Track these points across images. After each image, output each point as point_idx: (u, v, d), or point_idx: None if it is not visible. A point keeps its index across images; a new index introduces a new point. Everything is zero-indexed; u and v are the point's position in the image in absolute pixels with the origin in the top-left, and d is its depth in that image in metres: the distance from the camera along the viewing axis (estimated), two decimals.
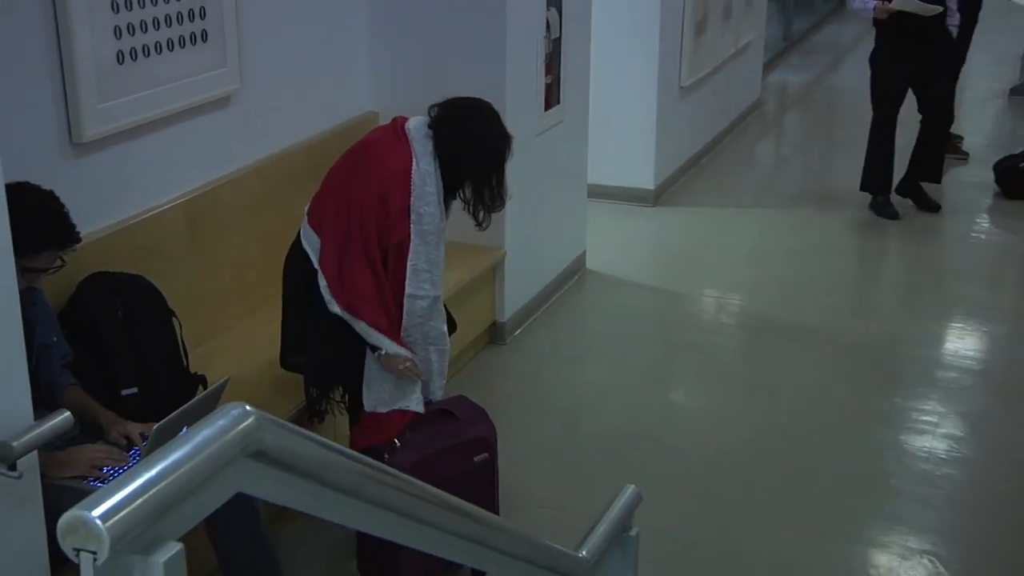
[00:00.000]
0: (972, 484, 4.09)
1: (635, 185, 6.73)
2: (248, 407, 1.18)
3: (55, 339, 3.05)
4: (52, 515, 2.62)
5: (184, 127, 3.85)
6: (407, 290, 3.34)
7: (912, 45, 6.27)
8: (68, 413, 2.62)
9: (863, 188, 6.67)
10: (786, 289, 5.72)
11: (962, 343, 5.17)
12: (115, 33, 3.48)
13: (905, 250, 6.25)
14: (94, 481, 2.86)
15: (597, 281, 5.77)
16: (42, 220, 2.81)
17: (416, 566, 3.30)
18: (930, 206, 6.64)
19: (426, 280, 3.35)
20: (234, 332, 4.07)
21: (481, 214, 3.47)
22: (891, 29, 6.25)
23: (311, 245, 3.42)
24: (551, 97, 5.17)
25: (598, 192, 6.31)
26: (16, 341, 2.51)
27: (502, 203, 3.50)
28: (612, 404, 4.64)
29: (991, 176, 7.07)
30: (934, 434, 4.38)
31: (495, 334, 5.07)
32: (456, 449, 3.37)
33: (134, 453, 3.00)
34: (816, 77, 10.25)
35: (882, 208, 6.57)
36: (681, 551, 3.64)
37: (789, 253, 6.20)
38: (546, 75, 5.09)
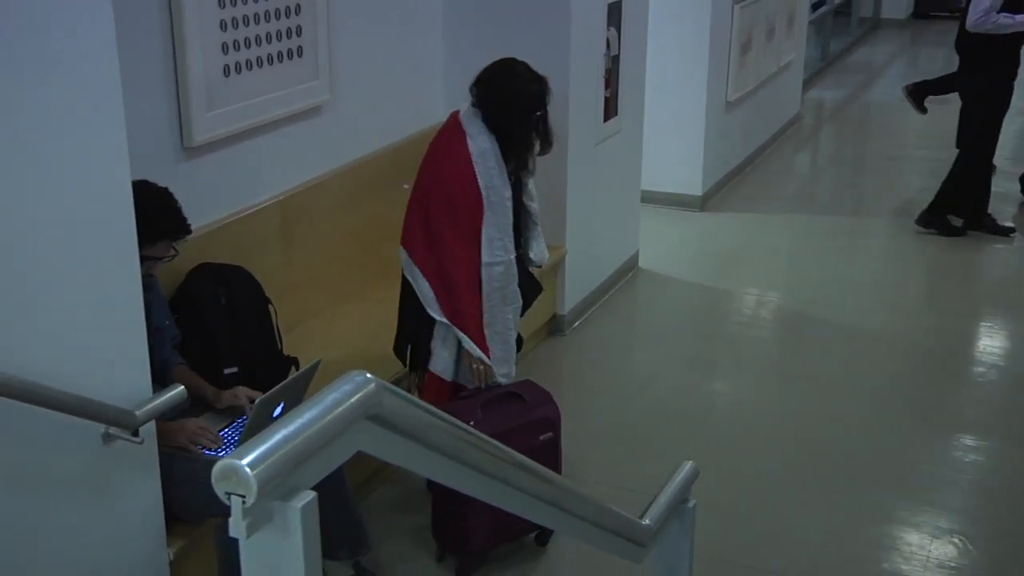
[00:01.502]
0: (999, 470, 4.05)
1: (684, 191, 6.72)
2: (369, 375, 1.22)
3: (167, 322, 3.13)
4: (162, 480, 2.72)
5: (280, 134, 3.92)
6: (483, 259, 3.39)
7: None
8: (182, 387, 2.71)
9: (961, 212, 6.32)
10: (821, 288, 5.69)
11: (988, 340, 5.12)
12: (223, 49, 3.56)
13: (933, 254, 6.18)
14: (201, 448, 2.93)
15: (648, 279, 5.79)
16: (159, 213, 2.89)
17: (482, 533, 3.33)
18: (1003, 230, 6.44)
19: (499, 247, 3.40)
20: (322, 319, 4.13)
21: (530, 162, 3.50)
22: (1009, 55, 5.93)
23: (404, 264, 3.49)
24: (609, 109, 5.19)
25: (650, 197, 6.31)
26: (138, 323, 2.60)
27: (549, 145, 3.49)
28: (660, 390, 4.65)
29: (1016, 187, 6.96)
30: (962, 423, 4.34)
31: (555, 325, 5.10)
32: (523, 428, 3.38)
33: (227, 432, 3.04)
34: (851, 94, 10.15)
35: (954, 227, 6.35)
36: (725, 524, 3.65)
37: (824, 255, 6.16)
38: (605, 89, 5.11)
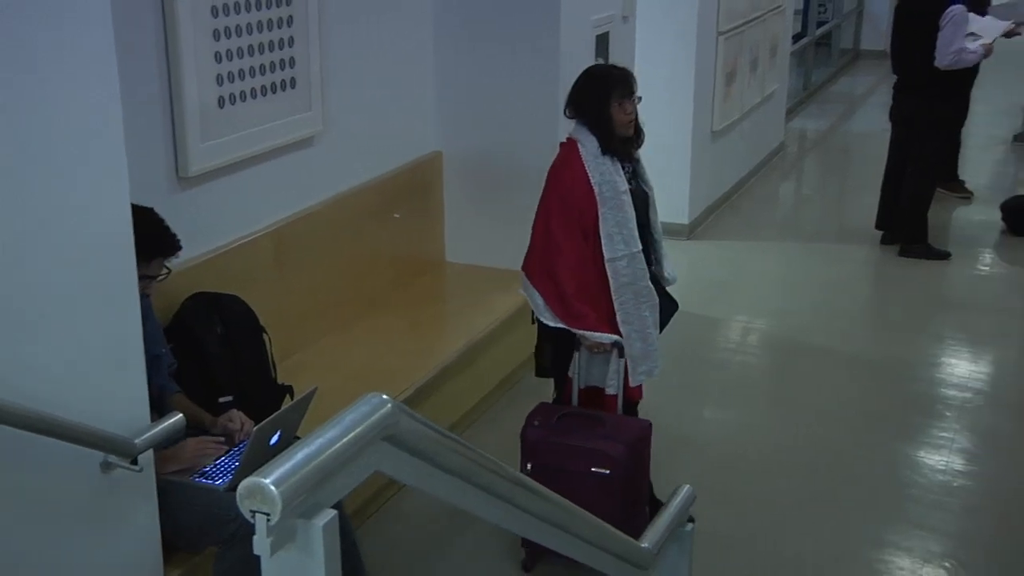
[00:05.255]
0: (987, 494, 4.09)
1: (671, 220, 6.75)
2: (385, 396, 1.25)
3: (164, 350, 3.14)
4: (159, 508, 2.72)
5: (274, 164, 3.96)
6: (605, 255, 3.44)
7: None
8: (181, 415, 2.72)
9: (922, 239, 6.55)
10: (808, 315, 5.74)
11: (974, 366, 5.16)
12: (218, 80, 3.60)
13: (919, 281, 6.25)
14: (198, 477, 2.94)
15: None
16: (149, 232, 2.90)
17: None
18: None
19: (619, 241, 3.44)
20: (316, 348, 4.16)
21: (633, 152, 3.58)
22: (961, 81, 6.27)
23: (523, 286, 3.58)
24: None
25: None
26: (137, 351, 2.62)
27: (640, 133, 3.57)
28: (651, 416, 4.64)
29: (997, 215, 7.06)
30: (950, 448, 4.38)
31: None
32: (576, 450, 3.36)
33: (224, 460, 3.05)
34: (833, 124, 10.27)
35: (933, 250, 6.53)
36: (720, 550, 3.67)
37: (810, 282, 6.22)
38: None
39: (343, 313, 4.35)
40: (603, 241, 3.43)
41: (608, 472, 3.33)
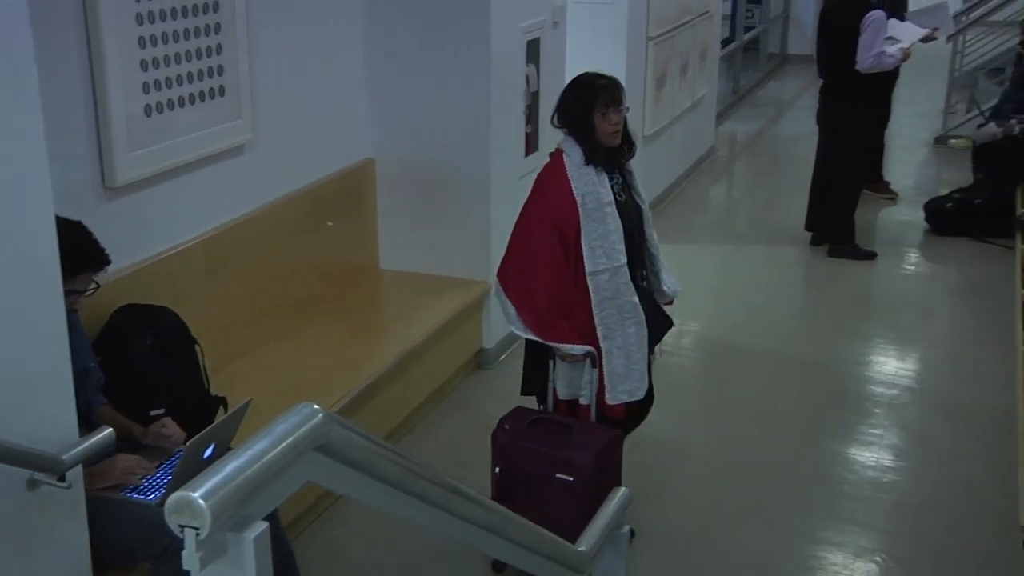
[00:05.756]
0: (916, 489, 4.18)
1: None
2: (316, 406, 1.24)
3: (92, 364, 3.09)
4: (90, 524, 2.67)
5: (204, 173, 3.91)
6: (587, 269, 3.39)
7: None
8: (111, 429, 2.67)
9: (849, 239, 6.69)
10: (741, 316, 5.82)
11: (901, 364, 5.28)
12: (144, 89, 3.55)
13: (847, 281, 6.36)
14: (130, 492, 2.89)
15: None
16: (77, 245, 2.85)
17: None
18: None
19: (601, 254, 3.38)
20: (249, 358, 4.11)
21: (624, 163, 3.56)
22: (882, 85, 6.44)
23: (496, 292, 3.55)
24: (531, 145, 5.27)
25: None
26: (64, 365, 2.56)
27: (631, 144, 3.53)
28: None
29: (921, 215, 7.22)
30: (880, 445, 4.47)
31: (481, 360, 5.13)
32: (543, 456, 3.37)
33: (157, 475, 3.01)
34: (762, 127, 10.43)
35: (860, 251, 6.67)
36: (653, 547, 3.70)
37: (743, 284, 6.31)
38: (526, 125, 5.19)
39: (277, 322, 4.31)
40: (585, 254, 3.38)
41: (572, 479, 3.32)
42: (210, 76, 3.85)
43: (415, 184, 4.99)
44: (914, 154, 9.12)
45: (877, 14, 6.18)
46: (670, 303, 3.73)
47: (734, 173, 9.27)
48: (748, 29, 11.67)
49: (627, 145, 3.52)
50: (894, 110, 7.50)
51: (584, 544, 2.29)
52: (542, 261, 3.39)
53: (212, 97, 3.87)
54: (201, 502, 1.05)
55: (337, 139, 4.77)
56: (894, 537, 3.85)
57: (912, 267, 6.66)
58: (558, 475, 3.33)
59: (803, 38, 13.80)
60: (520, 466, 3.39)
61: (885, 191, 7.77)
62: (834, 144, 6.58)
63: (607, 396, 3.49)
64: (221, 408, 3.50)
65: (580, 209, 3.36)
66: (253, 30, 4.04)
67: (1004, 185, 6.81)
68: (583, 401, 3.53)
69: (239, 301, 4.11)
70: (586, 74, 3.53)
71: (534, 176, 5.28)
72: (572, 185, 3.39)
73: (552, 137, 5.47)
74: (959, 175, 7.89)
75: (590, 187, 3.39)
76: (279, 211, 4.34)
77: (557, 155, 3.49)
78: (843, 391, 4.97)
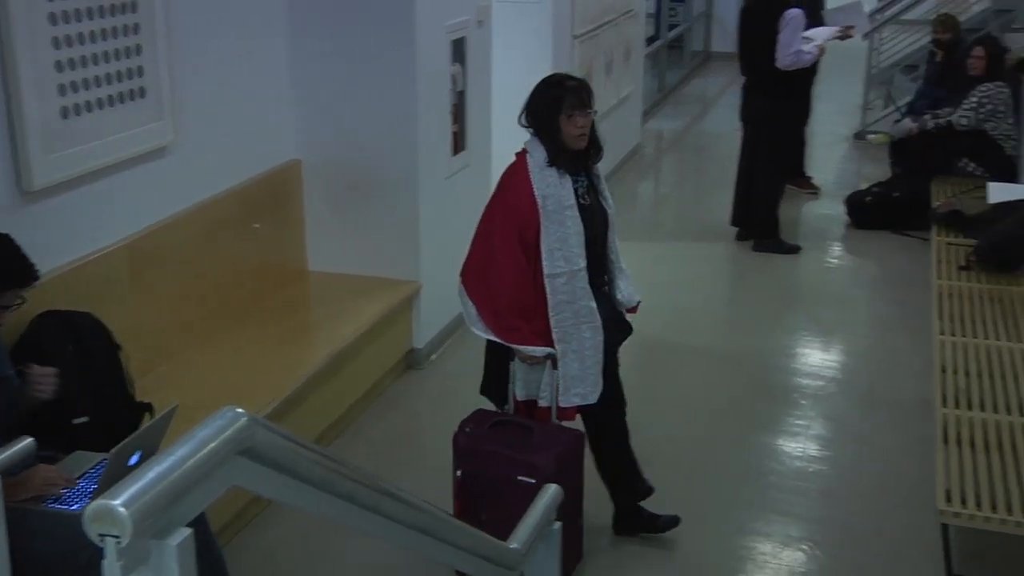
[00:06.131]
0: (840, 477, 4.26)
1: None
2: (240, 409, 1.23)
3: (10, 372, 3.01)
4: (10, 537, 2.60)
5: (125, 175, 3.84)
6: (544, 271, 3.35)
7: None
8: (31, 439, 2.61)
9: (774, 234, 6.81)
10: (669, 312, 5.87)
11: (826, 355, 5.38)
12: (60, 91, 3.47)
13: (772, 275, 6.47)
14: (51, 503, 2.82)
15: None
16: (5, 260, 2.79)
17: None
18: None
19: (559, 257, 3.35)
20: (175, 362, 4.04)
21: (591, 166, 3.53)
22: (802, 81, 6.57)
23: (459, 293, 3.51)
24: (458, 144, 5.27)
25: None
26: None
27: (597, 149, 3.50)
28: None
29: (842, 209, 7.37)
30: (806, 435, 4.56)
31: (412, 360, 5.12)
32: (503, 459, 3.36)
33: (82, 483, 2.94)
34: (687, 124, 10.56)
35: (785, 245, 6.78)
36: (584, 540, 3.72)
37: (671, 280, 6.37)
38: (453, 124, 5.19)
39: (204, 326, 4.25)
40: (543, 256, 3.35)
41: (534, 481, 3.28)
42: (129, 77, 3.78)
43: (342, 185, 4.95)
44: (834, 150, 9.31)
45: (795, 12, 6.30)
46: (633, 310, 3.71)
47: (661, 170, 9.37)
48: (672, 27, 11.81)
49: (594, 148, 3.49)
50: (814, 107, 7.65)
51: (516, 541, 2.30)
52: (503, 262, 3.36)
53: (132, 99, 3.80)
54: (121, 509, 1.03)
55: (262, 140, 4.71)
56: (819, 525, 3.93)
57: (835, 260, 6.80)
58: (519, 477, 3.32)
59: (726, 36, 14.00)
60: (481, 468, 3.38)
61: (807, 186, 7.92)
62: (757, 140, 6.69)
63: (560, 398, 3.47)
64: (147, 414, 3.44)
65: (540, 211, 3.34)
66: (173, 30, 3.98)
67: (920, 179, 6.99)
68: (542, 403, 3.50)
69: (165, 305, 4.04)
70: (556, 75, 3.52)
71: (462, 175, 5.34)
72: (534, 186, 3.35)
73: (479, 136, 5.50)
74: (878, 169, 8.07)
75: (552, 189, 3.36)
76: (204, 214, 4.27)
77: (521, 155, 3.45)
78: (770, 383, 5.06)
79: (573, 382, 3.46)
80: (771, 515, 3.97)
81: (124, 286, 3.82)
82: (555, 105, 3.38)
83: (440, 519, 1.85)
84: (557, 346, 3.41)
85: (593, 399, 3.50)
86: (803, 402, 4.86)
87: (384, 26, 4.72)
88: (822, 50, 6.48)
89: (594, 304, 3.43)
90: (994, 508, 3.33)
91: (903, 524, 3.89)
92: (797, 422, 4.67)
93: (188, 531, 1.10)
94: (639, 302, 3.70)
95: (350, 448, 4.37)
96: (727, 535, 3.85)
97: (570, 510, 3.36)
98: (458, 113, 5.23)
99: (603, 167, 8.33)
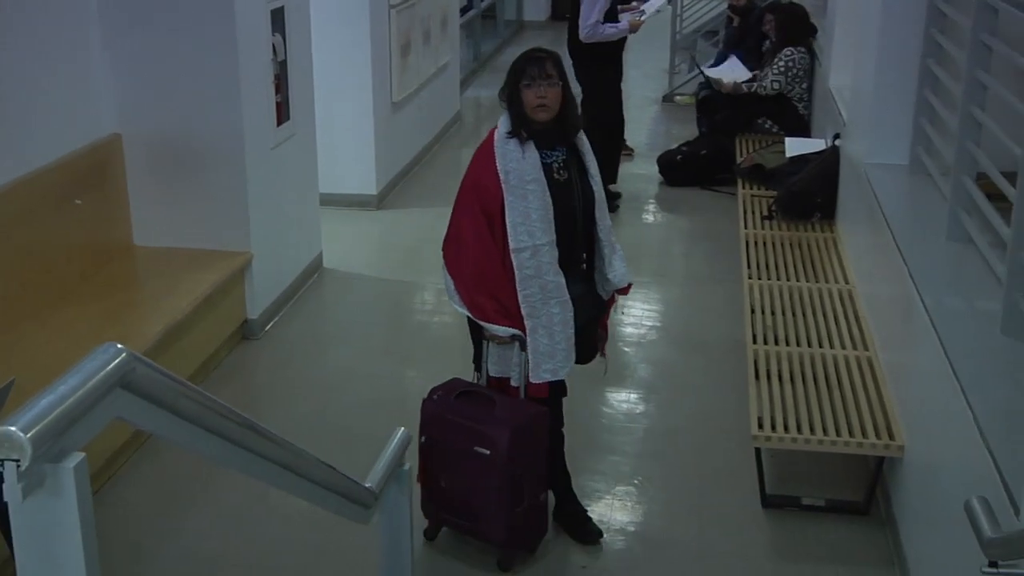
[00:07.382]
0: (663, 416, 4.56)
1: (360, 192, 6.92)
2: (120, 345, 1.30)
3: None
4: None
5: None
6: (510, 245, 3.30)
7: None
8: None
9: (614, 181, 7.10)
10: None
11: (647, 305, 5.69)
12: None
13: None
14: None
15: (334, 277, 5.93)
16: None
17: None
18: None
19: (523, 232, 3.29)
20: (2, 342, 3.95)
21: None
22: (614, 47, 6.85)
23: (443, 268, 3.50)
24: (282, 114, 5.28)
25: (329, 200, 6.46)
26: None
27: (540, 111, 3.36)
28: (359, 381, 4.82)
29: (655, 168, 7.73)
30: (633, 379, 4.83)
31: (247, 330, 5.13)
32: (462, 428, 3.40)
33: None
34: None
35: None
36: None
37: None
38: (276, 94, 5.19)
39: (30, 305, 4.16)
40: (508, 230, 3.30)
41: (488, 453, 3.33)
42: None
43: (166, 158, 4.90)
44: (645, 112, 9.71)
45: None
46: (625, 291, 3.66)
47: (481, 135, 9.47)
48: None
49: (569, 122, 3.43)
50: (625, 72, 7.96)
51: (370, 481, 2.43)
52: (468, 236, 3.36)
53: None
54: (21, 434, 1.10)
55: (76, 115, 4.60)
56: (648, 460, 4.20)
57: (651, 216, 7.14)
58: (476, 448, 3.35)
59: (537, 5, 14.33)
60: (441, 436, 3.44)
61: (623, 148, 8.25)
62: (586, 105, 6.89)
63: (530, 374, 3.43)
64: None
65: (503, 185, 3.30)
66: None
67: (725, 137, 7.41)
68: (512, 383, 3.50)
69: None
70: (532, 48, 3.49)
71: (288, 145, 5.36)
72: (496, 161, 3.31)
73: (302, 106, 5.52)
74: (686, 130, 8.50)
75: (513, 163, 3.31)
76: (20, 191, 4.17)
77: (492, 130, 3.42)
78: None
79: (543, 358, 3.40)
80: (605, 455, 4.22)
81: None
82: (516, 75, 3.37)
83: (301, 455, 1.96)
84: (527, 321, 3.36)
85: (563, 375, 3.46)
86: (627, 349, 5.14)
87: None
88: (635, 26, 6.80)
89: (562, 279, 3.37)
90: (799, 430, 3.68)
91: (722, 454, 4.20)
92: (623, 370, 4.94)
93: (82, 455, 1.18)
94: (630, 284, 3.64)
95: None
96: (572, 475, 4.06)
97: (532, 486, 3.45)
98: (280, 83, 5.24)
99: (426, 135, 8.45)
